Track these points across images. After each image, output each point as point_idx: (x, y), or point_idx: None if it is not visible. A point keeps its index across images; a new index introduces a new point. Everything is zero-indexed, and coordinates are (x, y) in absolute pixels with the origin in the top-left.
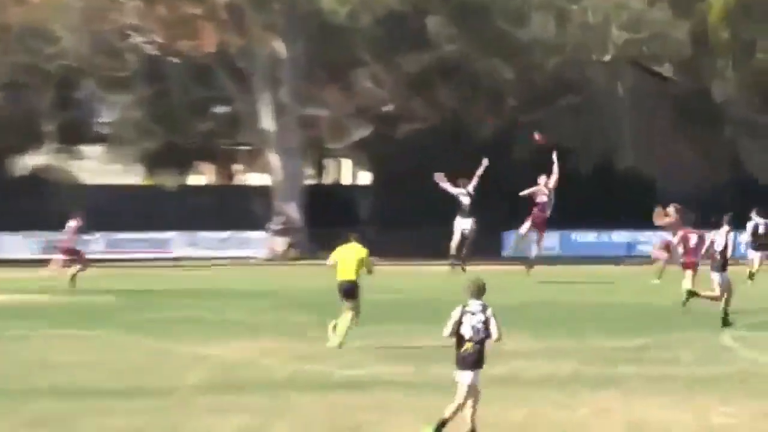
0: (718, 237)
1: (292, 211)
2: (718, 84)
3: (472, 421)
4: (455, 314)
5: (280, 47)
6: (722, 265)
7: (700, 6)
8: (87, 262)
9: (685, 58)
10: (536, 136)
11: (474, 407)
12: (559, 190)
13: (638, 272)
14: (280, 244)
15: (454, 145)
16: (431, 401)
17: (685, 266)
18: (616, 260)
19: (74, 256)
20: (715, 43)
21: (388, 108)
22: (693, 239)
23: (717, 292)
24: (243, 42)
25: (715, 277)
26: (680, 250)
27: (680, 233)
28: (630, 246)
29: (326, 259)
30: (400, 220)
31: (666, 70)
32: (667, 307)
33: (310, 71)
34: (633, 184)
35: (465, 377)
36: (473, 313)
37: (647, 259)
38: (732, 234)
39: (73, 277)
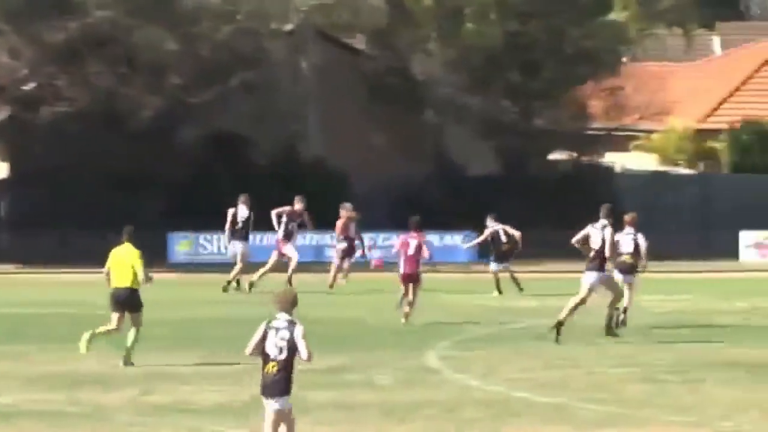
0: (595, 234)
1: None
2: (419, 59)
3: None
4: (259, 330)
5: None
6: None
7: None
8: None
9: (381, 29)
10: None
11: None
12: (235, 183)
13: (327, 281)
14: None
15: (107, 131)
16: None
17: (403, 278)
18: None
19: None
20: (415, 11)
21: (28, 87)
22: (413, 245)
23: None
24: None
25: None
26: (400, 259)
27: (399, 239)
28: (318, 250)
29: None
30: (43, 222)
31: (359, 42)
32: (364, 321)
33: None
34: (321, 177)
35: (268, 406)
36: (277, 329)
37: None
38: (608, 231)
39: None
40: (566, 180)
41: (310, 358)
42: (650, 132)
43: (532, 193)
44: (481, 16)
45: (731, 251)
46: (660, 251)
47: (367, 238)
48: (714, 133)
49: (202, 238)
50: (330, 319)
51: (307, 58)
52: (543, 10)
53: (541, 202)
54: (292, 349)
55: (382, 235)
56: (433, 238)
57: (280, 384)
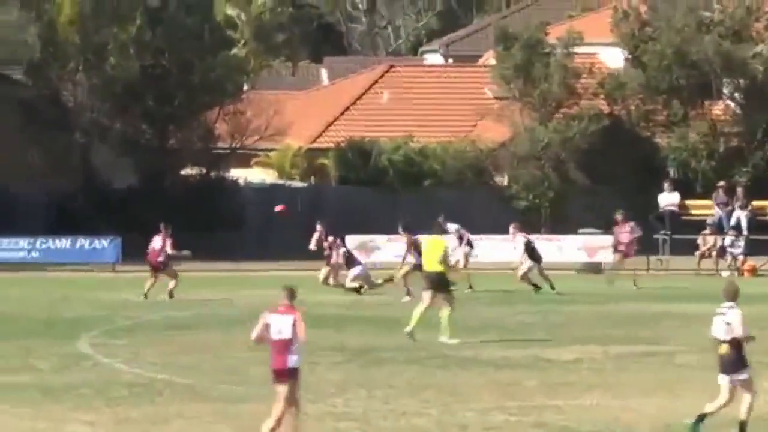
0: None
1: None
2: (68, 88)
3: (747, 414)
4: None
5: None
6: None
7: (51, 7)
8: None
9: (35, 61)
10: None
11: (749, 403)
12: None
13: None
14: None
15: None
16: None
17: None
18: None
19: None
20: (64, 46)
21: None
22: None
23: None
24: None
25: None
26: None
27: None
28: None
29: None
30: None
31: (16, 73)
32: (21, 314)
33: None
34: None
35: (722, 380)
36: (722, 314)
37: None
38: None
39: None
40: (197, 192)
41: (746, 336)
42: (269, 150)
43: (168, 203)
44: (122, 52)
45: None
46: (282, 251)
47: (26, 241)
48: (323, 151)
49: None
50: None
51: None
52: (174, 46)
53: (176, 211)
54: (732, 330)
55: (40, 239)
56: (84, 242)
57: (735, 363)
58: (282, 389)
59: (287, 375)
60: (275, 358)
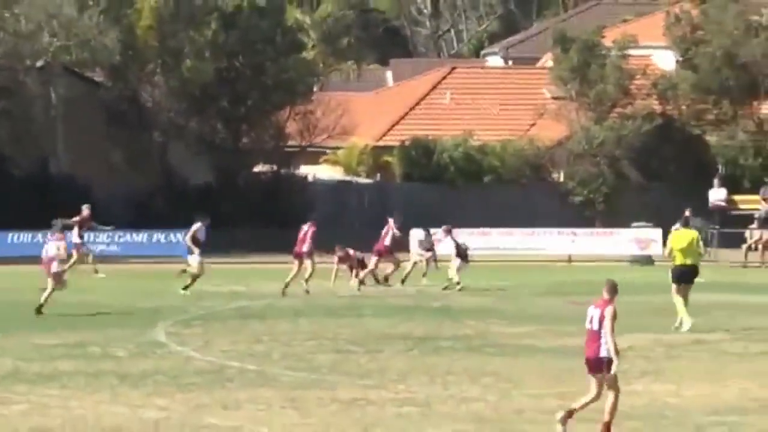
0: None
1: None
2: (147, 89)
3: None
4: None
5: None
6: None
7: (130, 13)
8: None
9: (115, 64)
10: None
11: None
12: None
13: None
14: None
15: None
16: None
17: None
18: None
19: None
20: (143, 49)
21: None
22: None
23: None
24: None
25: None
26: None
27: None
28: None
29: None
30: None
31: (98, 75)
32: (102, 304)
33: None
34: (69, 189)
35: None
36: None
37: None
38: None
39: None
40: (269, 188)
41: None
42: (336, 148)
43: (242, 200)
44: (197, 55)
45: (404, 245)
46: (349, 245)
47: (106, 235)
48: (388, 149)
49: None
50: (76, 303)
51: (55, 89)
52: (247, 49)
53: (249, 207)
54: None
55: (118, 232)
56: (160, 236)
57: None
58: (594, 379)
59: (596, 364)
60: (587, 347)
